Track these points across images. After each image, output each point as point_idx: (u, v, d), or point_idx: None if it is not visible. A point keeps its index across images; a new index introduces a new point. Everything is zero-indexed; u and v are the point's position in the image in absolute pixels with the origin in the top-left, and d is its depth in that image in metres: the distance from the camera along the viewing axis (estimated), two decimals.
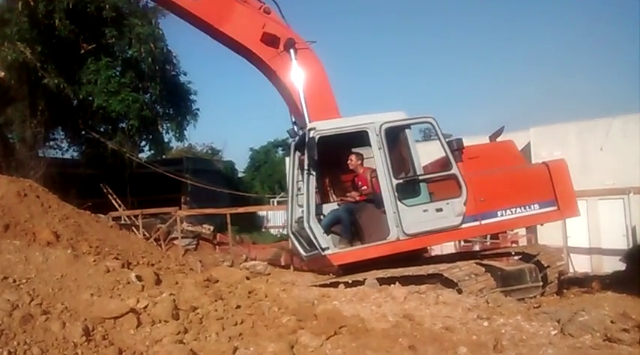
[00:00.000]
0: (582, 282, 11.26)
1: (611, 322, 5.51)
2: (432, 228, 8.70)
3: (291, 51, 9.44)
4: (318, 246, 8.54)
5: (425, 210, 8.67)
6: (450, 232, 8.93)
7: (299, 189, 9.42)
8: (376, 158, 8.71)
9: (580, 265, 16.86)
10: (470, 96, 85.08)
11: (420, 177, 8.89)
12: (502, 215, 9.11)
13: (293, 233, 9.58)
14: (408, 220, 8.52)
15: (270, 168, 43.72)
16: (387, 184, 8.58)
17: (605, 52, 75.59)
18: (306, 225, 8.52)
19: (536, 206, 9.21)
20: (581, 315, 5.67)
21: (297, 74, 9.45)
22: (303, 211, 8.70)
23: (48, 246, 7.42)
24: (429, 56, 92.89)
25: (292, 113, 10.07)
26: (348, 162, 9.38)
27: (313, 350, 4.93)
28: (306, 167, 8.59)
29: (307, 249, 9.26)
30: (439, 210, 8.71)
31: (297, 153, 9.56)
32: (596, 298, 8.82)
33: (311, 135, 8.49)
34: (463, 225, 8.81)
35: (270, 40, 9.55)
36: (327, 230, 8.91)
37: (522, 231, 20.60)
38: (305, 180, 8.64)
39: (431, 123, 9.13)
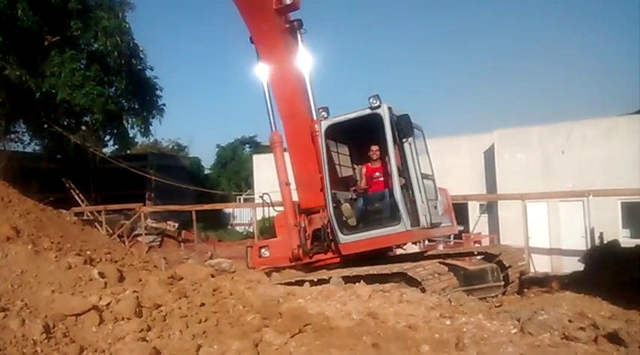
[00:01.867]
0: (542, 282, 11.50)
1: (569, 321, 5.68)
2: (437, 221, 9.24)
3: (298, 33, 9.72)
4: (405, 219, 8.52)
5: (434, 206, 9.21)
6: (440, 228, 9.70)
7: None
8: (407, 150, 8.88)
9: (540, 265, 17.20)
10: (433, 97, 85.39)
11: (429, 175, 9.50)
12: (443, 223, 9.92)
13: (334, 214, 9.23)
14: (431, 211, 8.94)
15: (237, 165, 43.36)
16: (415, 175, 8.84)
17: (573, 57, 76.95)
18: (397, 197, 8.57)
19: (447, 219, 10.26)
20: (541, 314, 5.82)
21: (304, 56, 9.73)
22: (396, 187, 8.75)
23: (8, 241, 7.21)
24: (394, 51, 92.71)
25: (281, 101, 10.02)
26: (372, 153, 9.62)
27: (277, 348, 4.95)
28: (396, 142, 8.70)
29: (346, 232, 9.07)
30: (435, 207, 9.28)
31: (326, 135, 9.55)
32: (556, 297, 9.00)
33: (393, 114, 8.72)
34: (442, 224, 9.58)
35: (284, 15, 9.75)
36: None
37: (485, 231, 21.01)
38: (390, 155, 8.76)
39: (420, 131, 9.84)
